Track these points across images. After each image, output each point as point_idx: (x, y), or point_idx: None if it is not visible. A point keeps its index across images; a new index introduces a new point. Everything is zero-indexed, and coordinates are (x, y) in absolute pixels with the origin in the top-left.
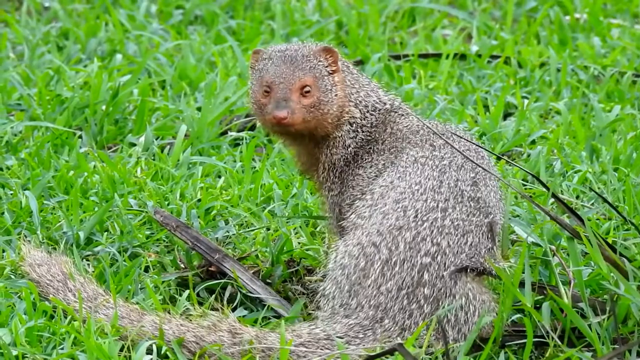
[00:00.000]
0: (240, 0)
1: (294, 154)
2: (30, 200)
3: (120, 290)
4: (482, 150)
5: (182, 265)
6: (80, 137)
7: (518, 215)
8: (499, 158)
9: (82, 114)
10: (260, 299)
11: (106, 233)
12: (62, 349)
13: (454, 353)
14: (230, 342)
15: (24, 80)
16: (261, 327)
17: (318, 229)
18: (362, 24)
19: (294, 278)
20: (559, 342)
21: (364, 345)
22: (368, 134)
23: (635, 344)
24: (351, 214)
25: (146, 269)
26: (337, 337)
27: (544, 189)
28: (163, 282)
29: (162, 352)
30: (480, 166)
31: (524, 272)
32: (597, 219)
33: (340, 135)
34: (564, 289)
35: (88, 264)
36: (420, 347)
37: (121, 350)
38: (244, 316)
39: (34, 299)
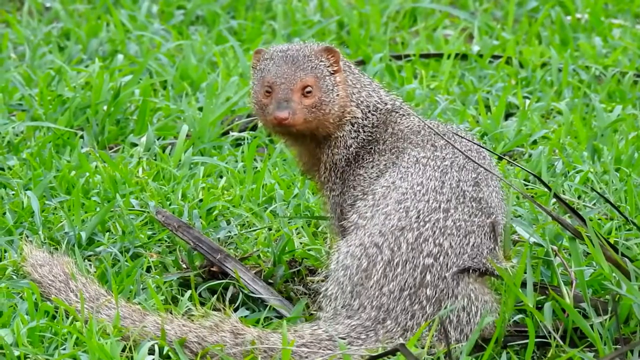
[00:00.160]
0: (242, 0)
1: (295, 154)
2: (32, 200)
3: (122, 290)
4: (483, 151)
5: (184, 266)
6: (81, 137)
7: (520, 216)
8: (500, 158)
9: (84, 114)
10: (262, 299)
11: (108, 233)
12: (64, 349)
13: (456, 353)
14: (232, 343)
15: (26, 81)
16: (263, 327)
17: (320, 229)
18: (364, 24)
19: (295, 278)
20: (561, 342)
21: (366, 346)
22: (369, 134)
23: (638, 344)
24: (353, 214)
25: (148, 269)
26: (339, 337)
27: (546, 189)
28: (165, 282)
29: (164, 352)
30: (481, 166)
31: (525, 273)
32: (599, 219)
33: (342, 135)
34: (566, 289)
35: (90, 264)
36: (423, 347)
37: (123, 350)
38: (245, 316)
39: (35, 299)
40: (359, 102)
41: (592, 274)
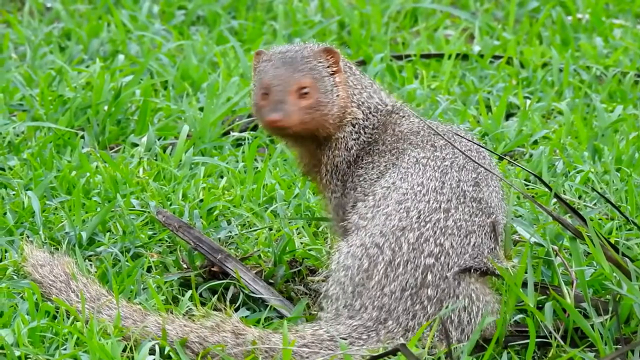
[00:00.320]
0: (243, 0)
1: (296, 156)
2: (33, 200)
3: (123, 290)
4: (483, 150)
5: (185, 266)
6: (82, 137)
7: (520, 216)
8: (501, 158)
9: (85, 114)
10: (263, 299)
11: (108, 233)
12: (64, 349)
13: (457, 353)
14: (233, 343)
15: (26, 81)
16: (264, 327)
17: (320, 229)
18: (365, 25)
19: (296, 278)
20: (562, 342)
21: (367, 346)
22: (370, 135)
23: (638, 344)
24: (353, 215)
25: (149, 269)
26: (340, 338)
27: (547, 189)
28: (165, 282)
29: (165, 352)
30: (482, 166)
31: (526, 272)
32: (600, 219)
33: (342, 136)
34: (567, 289)
35: (90, 265)
36: (424, 347)
37: (124, 350)
38: (246, 316)
39: (36, 299)
40: (360, 103)
41: (593, 274)
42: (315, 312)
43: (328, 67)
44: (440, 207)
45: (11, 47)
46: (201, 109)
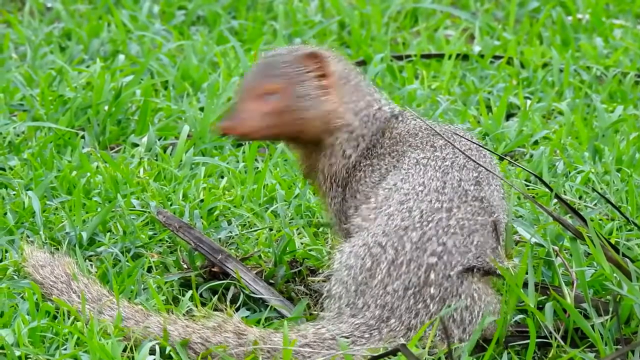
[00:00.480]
0: (243, 0)
1: (297, 157)
2: (33, 200)
3: (123, 290)
4: (483, 150)
5: (185, 266)
6: (82, 137)
7: (521, 216)
8: (501, 158)
9: (85, 114)
10: (263, 299)
11: (109, 233)
12: (65, 349)
13: (458, 353)
14: (235, 343)
15: (27, 81)
16: (264, 327)
17: (321, 230)
18: (365, 25)
19: (296, 278)
20: (562, 343)
21: (369, 344)
22: (369, 141)
23: (638, 344)
24: (356, 217)
25: (149, 270)
26: (343, 336)
27: (547, 190)
28: (166, 282)
29: (167, 352)
30: (481, 165)
31: (527, 273)
32: (600, 220)
33: (337, 143)
34: (567, 290)
35: (91, 265)
36: (424, 347)
37: (124, 350)
38: (246, 317)
39: (36, 299)
40: (357, 110)
41: (593, 274)
42: (316, 313)
43: (311, 71)
44: (442, 206)
45: (12, 47)
46: (202, 109)
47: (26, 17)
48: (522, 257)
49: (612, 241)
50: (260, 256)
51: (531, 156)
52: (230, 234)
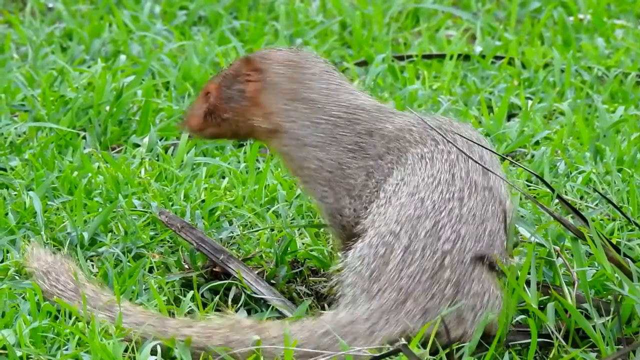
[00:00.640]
0: (244, 1)
1: None
2: (34, 200)
3: (125, 291)
4: (482, 140)
5: (186, 266)
6: (84, 137)
7: (522, 216)
8: (503, 159)
9: (86, 114)
10: (265, 299)
11: (110, 234)
12: (66, 349)
13: (459, 354)
14: (254, 340)
15: (28, 81)
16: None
17: (322, 230)
18: (366, 25)
19: (298, 279)
20: (564, 343)
21: (387, 329)
22: (347, 145)
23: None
24: (368, 215)
25: (150, 270)
26: (361, 319)
27: (548, 190)
28: (167, 282)
29: (167, 353)
30: (479, 163)
31: (529, 273)
32: (601, 220)
33: (283, 147)
34: (568, 290)
35: (92, 265)
36: (438, 336)
37: (125, 350)
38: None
39: (38, 299)
40: (296, 118)
41: (595, 274)
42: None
43: (241, 75)
44: (453, 196)
45: (13, 48)
46: None
47: (27, 17)
48: (523, 257)
49: (614, 241)
50: (261, 256)
51: (532, 156)
52: (231, 235)
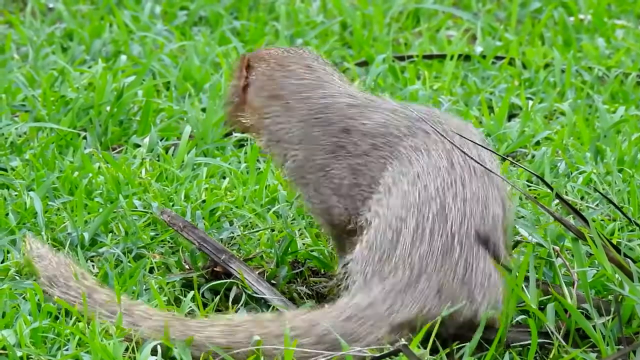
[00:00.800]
0: (245, 1)
1: None
2: (35, 201)
3: (125, 291)
4: (471, 130)
5: (187, 267)
6: (84, 138)
7: (523, 216)
8: (503, 159)
9: (87, 115)
10: (265, 300)
11: (111, 234)
12: (66, 350)
13: (459, 354)
14: (279, 332)
15: (29, 82)
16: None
17: (322, 230)
18: (367, 25)
19: (298, 279)
20: (564, 343)
21: (405, 308)
22: (324, 145)
23: None
24: (365, 212)
25: (151, 270)
26: (379, 300)
27: (549, 190)
28: (168, 283)
29: (167, 352)
30: (477, 161)
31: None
32: (602, 220)
33: (264, 144)
34: (568, 290)
35: (93, 265)
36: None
37: (126, 350)
38: None
39: (38, 300)
40: (274, 115)
41: (595, 274)
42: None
43: (237, 72)
44: (455, 181)
45: (13, 48)
46: (203, 110)
47: (28, 17)
48: (523, 257)
49: (614, 242)
50: (262, 257)
51: (533, 157)
52: (232, 235)
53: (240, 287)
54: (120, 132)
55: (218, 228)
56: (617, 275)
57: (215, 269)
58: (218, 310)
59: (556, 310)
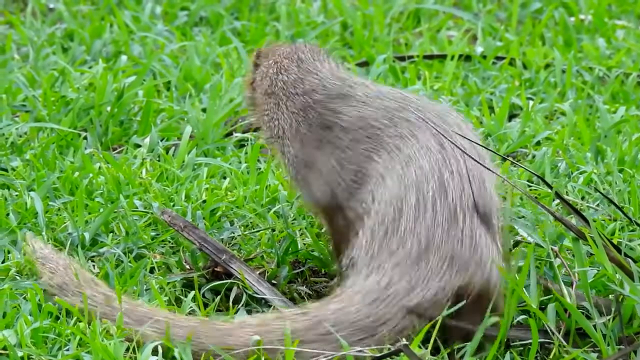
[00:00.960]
0: (245, 1)
1: None
2: (36, 201)
3: (126, 291)
4: (452, 113)
5: (188, 267)
6: (85, 138)
7: (523, 216)
8: (504, 159)
9: (87, 115)
10: (266, 300)
11: (111, 234)
12: (67, 350)
13: (460, 354)
14: (308, 324)
15: (29, 82)
16: None
17: (323, 230)
18: (367, 25)
19: (299, 279)
20: (564, 343)
21: (416, 280)
22: (312, 140)
23: None
24: (360, 202)
25: (151, 270)
26: (395, 279)
27: (549, 190)
28: (168, 283)
29: (168, 353)
30: (472, 158)
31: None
32: (603, 220)
33: (268, 145)
34: (569, 290)
35: (93, 265)
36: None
37: (127, 350)
38: None
39: (39, 300)
40: (269, 111)
41: (596, 274)
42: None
43: (250, 67)
44: (449, 159)
45: (14, 48)
46: (204, 110)
47: (28, 18)
48: (523, 257)
49: (615, 241)
50: (262, 257)
51: (533, 157)
52: (232, 235)
53: (240, 287)
54: (121, 132)
55: (219, 228)
56: (617, 275)
57: (215, 269)
58: (219, 311)
59: (556, 310)
